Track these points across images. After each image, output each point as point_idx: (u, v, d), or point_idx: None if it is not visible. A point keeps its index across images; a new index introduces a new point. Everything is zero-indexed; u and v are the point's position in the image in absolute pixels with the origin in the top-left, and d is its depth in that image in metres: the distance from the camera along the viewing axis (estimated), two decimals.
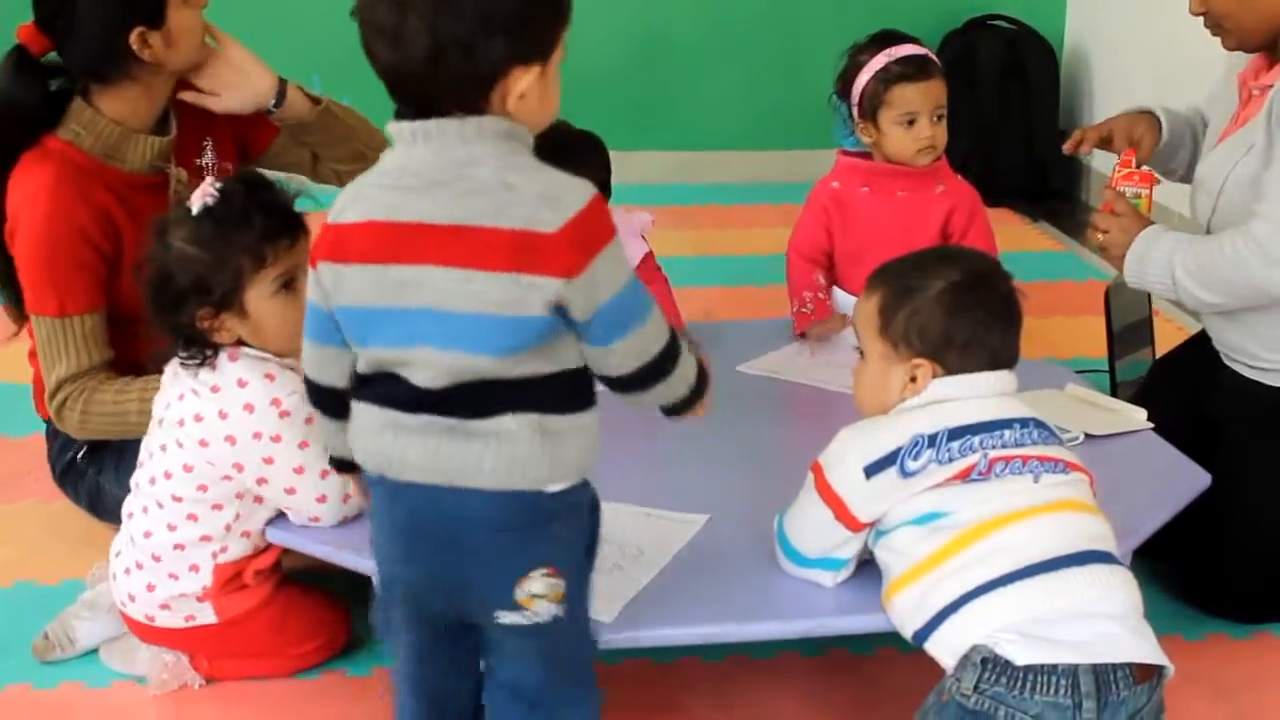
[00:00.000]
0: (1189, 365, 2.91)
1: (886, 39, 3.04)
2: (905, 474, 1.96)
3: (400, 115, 1.73)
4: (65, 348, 2.64)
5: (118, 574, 2.39)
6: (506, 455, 1.72)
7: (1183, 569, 2.68)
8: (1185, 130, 2.95)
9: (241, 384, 2.26)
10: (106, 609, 2.47)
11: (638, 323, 1.75)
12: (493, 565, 1.76)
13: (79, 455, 2.81)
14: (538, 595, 1.77)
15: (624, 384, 1.80)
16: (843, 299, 3.11)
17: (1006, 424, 1.99)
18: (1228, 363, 2.75)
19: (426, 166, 1.70)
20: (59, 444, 2.85)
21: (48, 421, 2.87)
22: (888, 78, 2.99)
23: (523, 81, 1.70)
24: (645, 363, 1.77)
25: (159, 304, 2.28)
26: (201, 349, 2.29)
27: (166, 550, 2.32)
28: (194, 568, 2.33)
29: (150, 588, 2.34)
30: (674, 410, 1.89)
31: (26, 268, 2.65)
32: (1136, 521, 2.24)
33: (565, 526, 1.80)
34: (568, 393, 1.76)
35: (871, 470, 1.98)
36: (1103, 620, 1.87)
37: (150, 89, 2.71)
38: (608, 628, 2.00)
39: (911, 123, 3.00)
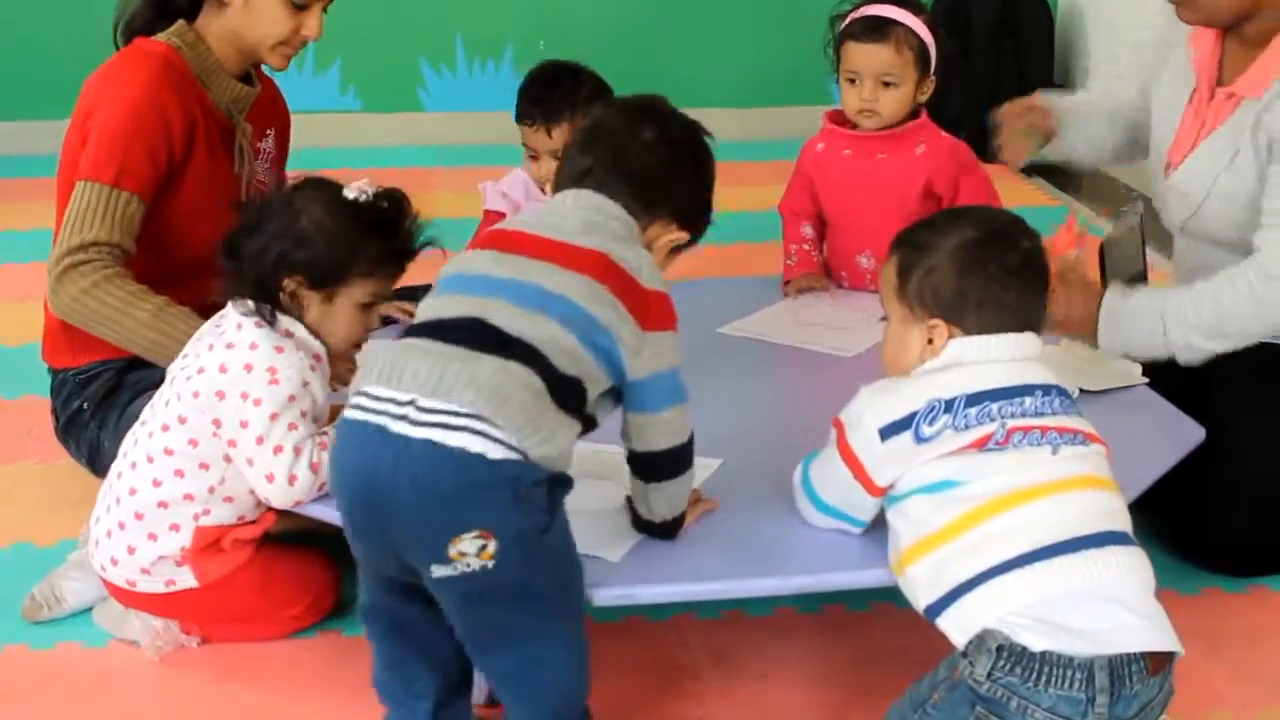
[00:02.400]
0: None
1: None
2: (919, 439, 1.93)
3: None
4: (103, 216, 2.62)
5: (99, 539, 2.38)
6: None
7: (1176, 524, 2.68)
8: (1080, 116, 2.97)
9: (253, 346, 2.27)
10: (95, 568, 2.47)
11: (682, 401, 2.02)
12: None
13: (84, 406, 2.81)
14: (466, 553, 1.82)
15: (656, 462, 2.04)
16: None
17: (1028, 390, 1.96)
18: None
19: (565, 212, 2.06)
20: (65, 394, 2.84)
21: (53, 371, 2.87)
22: (845, 33, 3.00)
23: (666, 234, 2.10)
24: (679, 443, 2.04)
25: (253, 251, 2.28)
26: (266, 304, 2.30)
27: (150, 508, 2.32)
28: (174, 527, 2.32)
29: (131, 549, 2.33)
30: (657, 528, 2.10)
31: (99, 136, 2.66)
32: (1132, 476, 2.24)
33: (505, 498, 1.83)
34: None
35: (887, 433, 1.96)
36: (1118, 607, 1.84)
37: (239, 35, 2.78)
38: (604, 584, 2.01)
39: (854, 82, 3.01)
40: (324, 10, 2.80)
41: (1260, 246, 2.55)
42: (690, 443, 2.05)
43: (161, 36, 2.76)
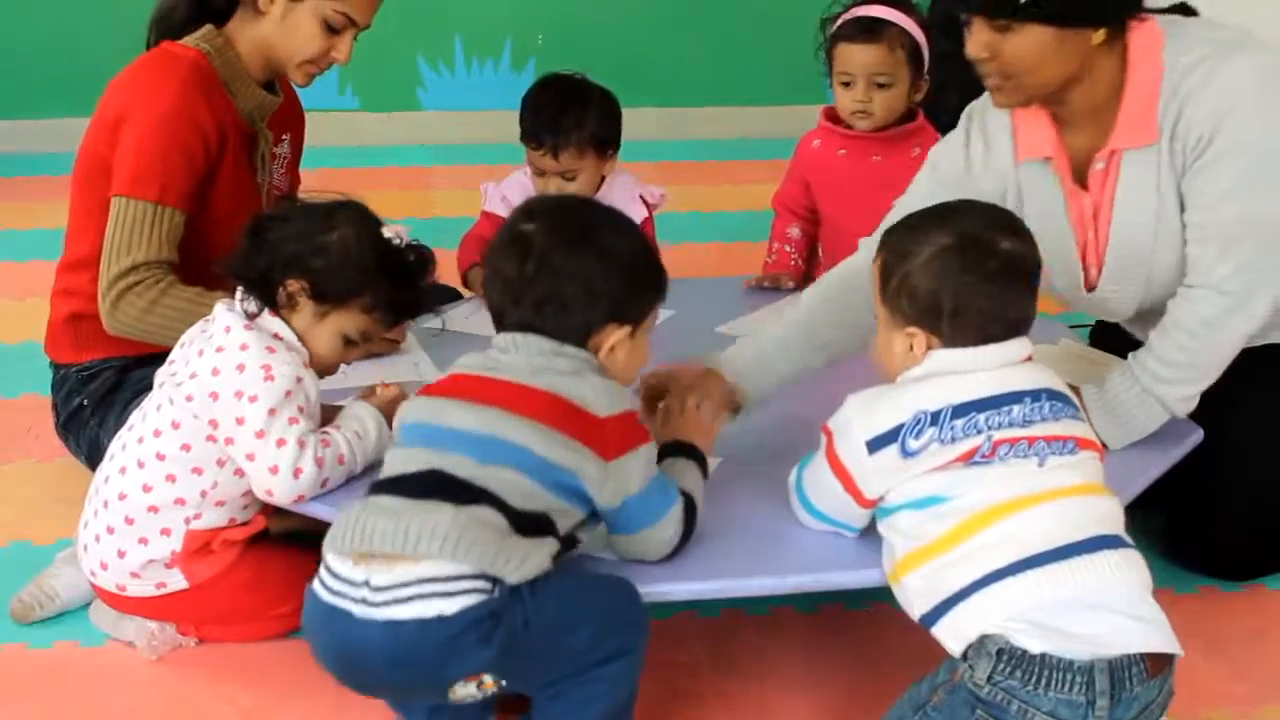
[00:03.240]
0: None
1: None
2: (906, 453, 1.92)
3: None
4: (150, 235, 2.63)
5: (87, 544, 2.38)
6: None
7: (1173, 525, 2.68)
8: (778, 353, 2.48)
9: (243, 347, 2.26)
10: (85, 573, 2.46)
11: (661, 517, 2.02)
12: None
13: (84, 403, 2.81)
14: (469, 692, 1.89)
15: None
16: None
17: (1016, 398, 1.94)
18: None
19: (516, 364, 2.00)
20: (66, 390, 2.85)
21: (56, 366, 2.88)
22: (837, 35, 3.01)
23: (614, 337, 2.02)
24: (671, 548, 2.05)
25: (275, 239, 2.29)
26: (259, 299, 2.31)
27: (140, 512, 2.32)
28: (165, 531, 2.31)
29: (121, 554, 2.33)
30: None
31: (137, 149, 2.66)
32: (1130, 476, 2.25)
33: (472, 642, 1.85)
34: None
35: (874, 445, 1.94)
36: (1113, 611, 1.84)
37: (270, 46, 2.78)
38: None
39: (847, 84, 3.01)
40: (355, 37, 2.79)
41: (1197, 265, 2.35)
42: (687, 528, 2.06)
43: (190, 41, 2.76)
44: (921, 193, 2.57)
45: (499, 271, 2.02)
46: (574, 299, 1.98)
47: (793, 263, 3.23)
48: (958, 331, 1.96)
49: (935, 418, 1.92)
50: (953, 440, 1.91)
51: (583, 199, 2.15)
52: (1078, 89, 2.37)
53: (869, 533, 2.08)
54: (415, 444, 1.98)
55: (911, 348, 1.99)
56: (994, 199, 2.43)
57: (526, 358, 1.98)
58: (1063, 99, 2.39)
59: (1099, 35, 2.30)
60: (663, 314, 2.93)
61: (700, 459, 2.15)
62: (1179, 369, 2.36)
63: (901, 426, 1.93)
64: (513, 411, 1.93)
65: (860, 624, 2.50)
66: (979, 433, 1.91)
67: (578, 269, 1.99)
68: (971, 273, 1.95)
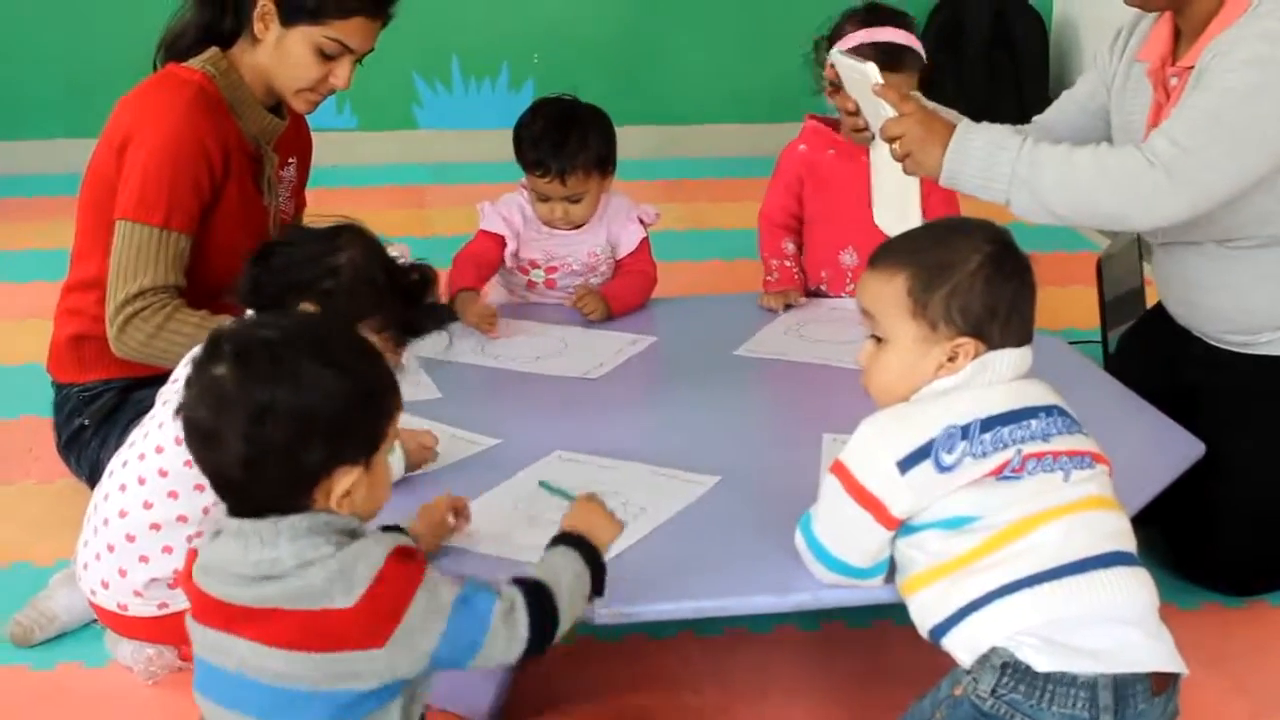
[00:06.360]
0: (1160, 335, 2.89)
1: (874, 15, 3.04)
2: (941, 468, 1.89)
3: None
4: (155, 260, 2.64)
5: (87, 563, 2.37)
6: None
7: (1174, 541, 2.68)
8: None
9: None
10: (85, 592, 2.45)
11: (479, 646, 1.72)
12: None
13: (86, 423, 2.82)
14: None
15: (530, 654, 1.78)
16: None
17: (1032, 413, 1.93)
18: (1195, 334, 2.75)
19: (232, 563, 1.70)
20: (67, 411, 2.85)
21: (57, 386, 2.88)
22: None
23: (345, 481, 1.70)
24: (524, 647, 1.76)
25: (281, 264, 2.27)
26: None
27: (142, 530, 2.31)
28: (167, 549, 2.31)
29: (122, 572, 2.32)
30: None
31: (143, 173, 2.66)
32: (1131, 491, 2.24)
33: None
34: None
35: (906, 464, 1.89)
36: (1124, 626, 1.84)
37: (268, 73, 2.78)
38: (604, 603, 1.99)
39: (855, 113, 3.01)
40: (357, 63, 2.78)
41: (1158, 133, 2.45)
42: (537, 616, 1.77)
43: (195, 63, 2.76)
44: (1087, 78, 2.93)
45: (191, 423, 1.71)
46: (295, 455, 1.66)
47: (795, 277, 3.23)
48: (1005, 336, 1.96)
49: (965, 431, 1.89)
50: (984, 454, 1.89)
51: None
52: (1194, 3, 2.55)
53: None
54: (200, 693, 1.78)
55: (954, 358, 1.95)
56: (1103, 86, 2.83)
57: (252, 563, 1.67)
58: (1183, 9, 2.58)
59: None
60: (625, 336, 2.92)
61: (586, 548, 1.89)
62: (1043, 171, 2.41)
63: (932, 442, 1.89)
64: (251, 640, 1.67)
65: (862, 641, 2.49)
66: (1007, 446, 1.90)
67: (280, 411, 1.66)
68: (1019, 277, 1.97)
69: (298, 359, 1.67)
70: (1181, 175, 2.39)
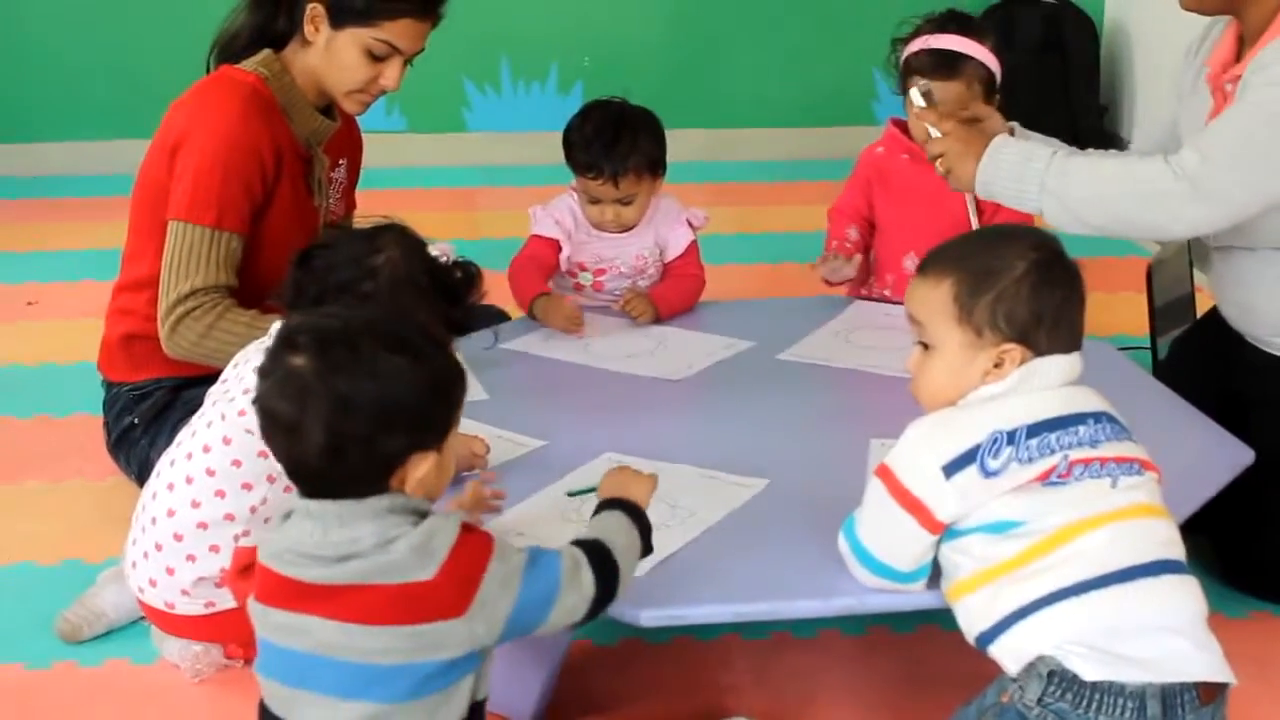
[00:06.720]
0: (1211, 341, 2.88)
1: (945, 21, 3.05)
2: (987, 473, 1.88)
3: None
4: (207, 260, 2.67)
5: (136, 561, 2.39)
6: None
7: (1222, 548, 2.66)
8: None
9: None
10: (133, 590, 2.47)
11: (551, 603, 1.78)
12: None
13: (136, 421, 2.84)
14: None
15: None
16: None
17: (1081, 419, 1.93)
18: (1249, 340, 2.73)
19: (307, 544, 1.73)
20: (118, 409, 2.88)
21: (108, 385, 2.91)
22: (913, 65, 3.00)
23: (421, 467, 1.75)
24: (589, 607, 1.81)
25: (322, 267, 2.26)
26: None
27: (189, 529, 2.32)
28: (214, 548, 2.32)
29: (170, 571, 2.34)
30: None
31: (196, 174, 2.68)
32: (1180, 499, 2.23)
33: None
34: None
35: (951, 469, 1.89)
36: (1172, 635, 1.83)
37: (318, 75, 2.80)
38: (651, 605, 2.00)
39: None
40: (407, 63, 2.80)
41: (1188, 145, 2.47)
42: (600, 575, 1.83)
43: (248, 65, 2.78)
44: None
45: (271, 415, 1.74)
46: (372, 437, 1.70)
47: (849, 250, 3.21)
48: (1053, 342, 1.95)
49: (1011, 437, 1.89)
50: (1029, 460, 1.89)
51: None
52: (1249, 9, 2.56)
53: None
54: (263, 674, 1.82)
55: (1000, 364, 1.95)
56: (1175, 95, 2.85)
57: (332, 544, 1.71)
58: (1240, 14, 2.59)
59: None
60: (719, 340, 2.92)
61: (629, 508, 1.96)
62: (1071, 182, 2.46)
63: (978, 447, 1.89)
64: (339, 619, 1.70)
65: (907, 646, 2.49)
66: (1053, 452, 1.90)
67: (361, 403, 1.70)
68: (1066, 284, 1.97)
69: (375, 349, 1.71)
70: (1206, 189, 2.41)
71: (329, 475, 1.72)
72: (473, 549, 1.73)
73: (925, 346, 2.01)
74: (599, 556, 1.84)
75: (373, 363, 1.70)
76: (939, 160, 2.58)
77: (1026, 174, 2.48)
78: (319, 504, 1.73)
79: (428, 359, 1.76)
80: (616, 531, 1.90)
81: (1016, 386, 1.94)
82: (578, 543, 1.85)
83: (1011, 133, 2.78)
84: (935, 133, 2.61)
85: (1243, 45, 2.62)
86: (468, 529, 1.75)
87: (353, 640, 1.69)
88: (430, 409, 1.76)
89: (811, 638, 2.51)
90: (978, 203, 2.97)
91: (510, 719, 2.24)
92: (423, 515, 1.75)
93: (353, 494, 1.72)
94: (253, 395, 2.22)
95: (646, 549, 1.95)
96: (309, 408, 1.68)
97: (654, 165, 3.09)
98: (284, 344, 1.73)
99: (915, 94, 2.71)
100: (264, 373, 1.74)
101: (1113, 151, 2.57)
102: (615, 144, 3.04)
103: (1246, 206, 2.46)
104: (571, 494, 2.29)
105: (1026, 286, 1.94)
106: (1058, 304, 1.95)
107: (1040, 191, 2.47)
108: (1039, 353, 1.95)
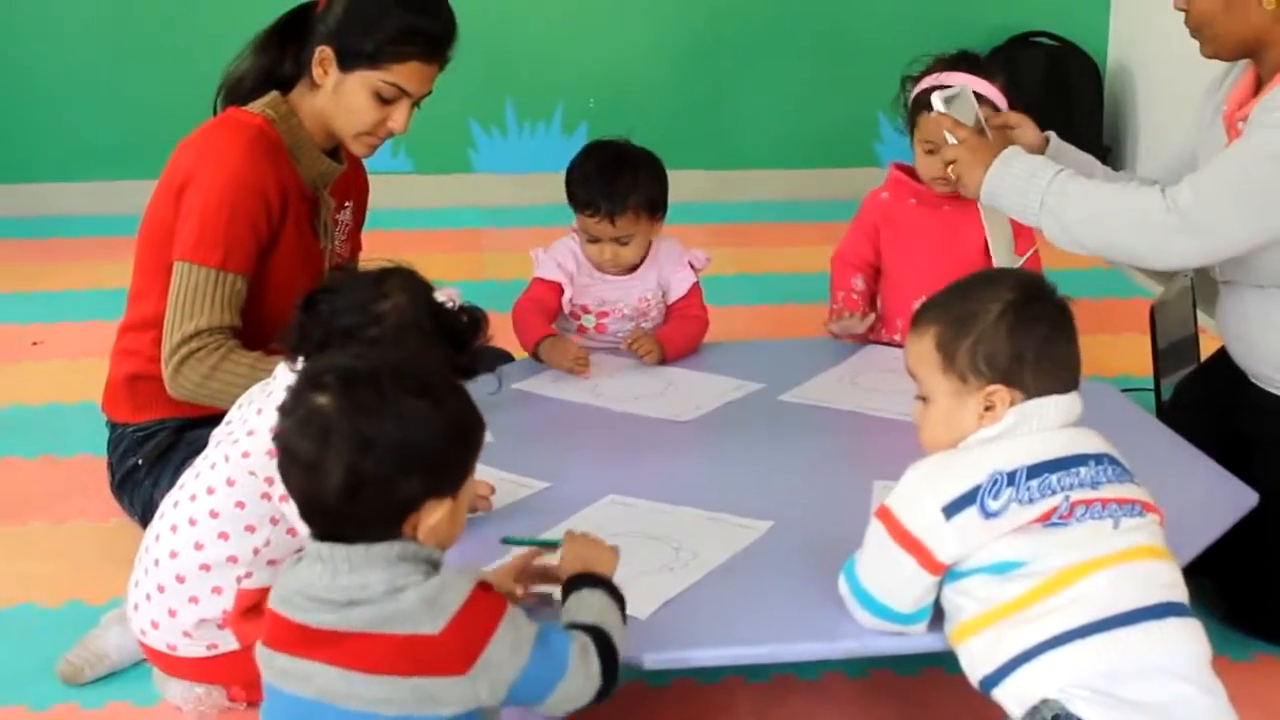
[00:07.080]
0: (1215, 383, 2.88)
1: (956, 60, 3.07)
2: (987, 514, 1.89)
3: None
4: (211, 301, 2.67)
5: (138, 603, 2.38)
6: None
7: (1226, 591, 2.65)
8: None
9: None
10: (135, 632, 2.46)
11: (560, 678, 1.78)
12: None
13: (139, 462, 2.84)
14: None
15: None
16: None
17: (1082, 460, 1.94)
18: (1253, 380, 2.73)
19: (316, 587, 1.73)
20: (122, 450, 2.88)
21: (112, 425, 2.91)
22: (920, 102, 3.01)
23: (436, 514, 1.75)
24: (593, 694, 1.81)
25: (328, 311, 2.25)
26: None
27: (191, 570, 2.32)
28: (217, 590, 2.31)
29: (172, 613, 2.33)
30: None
31: (202, 214, 2.69)
32: (1183, 541, 2.22)
33: None
34: None
35: (951, 510, 1.90)
36: (1176, 679, 1.83)
37: (326, 118, 2.81)
38: (653, 647, 2.00)
39: (930, 152, 3.02)
40: (414, 106, 2.81)
41: (1184, 180, 2.52)
42: (605, 663, 1.82)
43: (255, 107, 2.79)
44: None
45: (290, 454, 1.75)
46: (392, 479, 1.71)
47: (858, 304, 3.21)
48: (1039, 381, 1.96)
49: (1011, 478, 1.90)
50: (1030, 500, 1.90)
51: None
52: (1266, 52, 2.59)
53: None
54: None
55: (991, 406, 1.97)
56: (1194, 129, 2.85)
57: (340, 589, 1.71)
58: (1257, 58, 2.62)
59: (1270, 2, 2.52)
60: (728, 381, 2.90)
61: (605, 584, 1.95)
62: (1069, 203, 2.53)
63: (978, 488, 1.90)
64: (342, 667, 1.70)
65: (911, 689, 2.48)
66: (1054, 493, 1.90)
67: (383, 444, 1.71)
68: (1045, 321, 1.98)
69: (399, 392, 1.73)
70: (1196, 224, 2.47)
71: (344, 516, 1.72)
72: (484, 609, 1.73)
73: (924, 400, 2.04)
74: (604, 645, 1.83)
75: (396, 405, 1.71)
76: (950, 166, 2.66)
77: (1030, 189, 2.56)
78: (330, 547, 1.73)
79: (450, 405, 1.78)
80: (605, 612, 1.89)
81: (1014, 428, 1.95)
82: (580, 627, 1.84)
83: (1047, 141, 2.88)
84: (951, 139, 2.67)
85: (1260, 85, 2.65)
86: (484, 589, 1.75)
87: (354, 688, 1.69)
88: (449, 454, 1.77)
89: (815, 680, 2.50)
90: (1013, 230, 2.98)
91: None
92: (434, 565, 1.75)
93: (365, 538, 1.72)
94: (258, 436, 2.24)
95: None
96: (331, 446, 1.69)
97: (653, 205, 3.10)
98: (309, 383, 1.76)
99: (937, 98, 2.72)
100: (286, 411, 1.76)
101: (1123, 173, 2.61)
102: (615, 182, 3.04)
103: (1242, 242, 2.50)
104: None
105: (1004, 327, 1.96)
106: (1038, 342, 1.96)
107: (1040, 209, 2.55)
108: (1028, 392, 1.96)
